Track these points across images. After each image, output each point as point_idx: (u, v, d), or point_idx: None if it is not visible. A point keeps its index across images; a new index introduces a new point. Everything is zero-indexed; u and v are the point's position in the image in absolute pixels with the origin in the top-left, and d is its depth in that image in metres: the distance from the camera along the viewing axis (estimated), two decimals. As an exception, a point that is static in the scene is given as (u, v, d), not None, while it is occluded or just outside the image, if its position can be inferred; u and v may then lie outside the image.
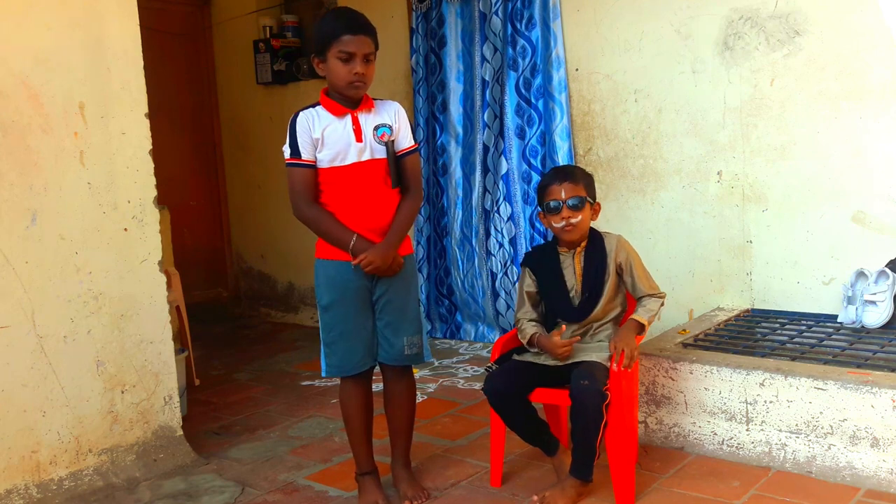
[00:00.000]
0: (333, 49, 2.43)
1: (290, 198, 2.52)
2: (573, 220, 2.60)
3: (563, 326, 2.64)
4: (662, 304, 2.64)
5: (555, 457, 2.67)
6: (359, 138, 2.49)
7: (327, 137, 2.47)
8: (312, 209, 2.50)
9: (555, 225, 2.63)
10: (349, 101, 2.50)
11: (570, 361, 2.57)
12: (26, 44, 2.73)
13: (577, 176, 2.65)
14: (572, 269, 2.67)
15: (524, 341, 2.69)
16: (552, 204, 2.62)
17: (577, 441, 2.50)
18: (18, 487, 2.73)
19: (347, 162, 2.48)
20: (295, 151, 2.48)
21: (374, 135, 2.50)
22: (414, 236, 4.77)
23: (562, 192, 2.61)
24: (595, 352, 2.60)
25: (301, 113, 2.51)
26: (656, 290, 2.65)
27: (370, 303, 2.57)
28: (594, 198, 2.67)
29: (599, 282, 2.64)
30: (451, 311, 4.74)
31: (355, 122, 2.49)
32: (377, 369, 2.67)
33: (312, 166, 2.49)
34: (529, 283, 2.74)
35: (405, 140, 2.57)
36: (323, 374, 2.64)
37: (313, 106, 2.52)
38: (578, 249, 2.66)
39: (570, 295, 2.67)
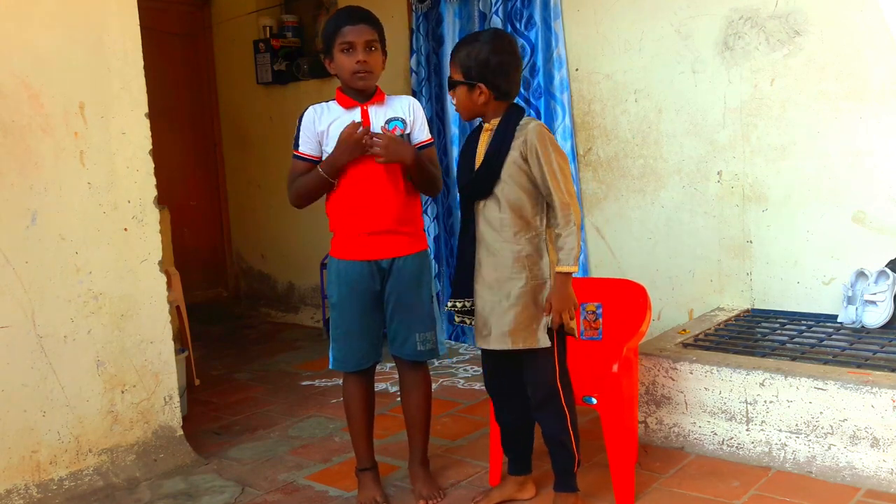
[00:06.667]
0: (336, 43, 2.45)
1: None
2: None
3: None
4: (577, 226, 2.27)
5: (515, 477, 2.57)
6: None
7: (333, 131, 2.48)
8: (291, 188, 2.56)
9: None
10: (359, 94, 2.51)
11: (487, 343, 2.35)
12: (26, 44, 2.73)
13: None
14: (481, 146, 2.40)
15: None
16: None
17: (553, 452, 2.42)
18: (18, 487, 2.73)
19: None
20: (296, 143, 2.54)
21: (385, 128, 2.48)
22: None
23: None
24: (501, 322, 2.31)
25: (311, 106, 2.55)
26: (565, 201, 2.26)
27: (379, 302, 2.56)
28: (476, 78, 2.30)
29: (499, 160, 2.30)
30: None
31: (364, 115, 2.49)
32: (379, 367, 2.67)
33: (308, 160, 2.53)
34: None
35: (422, 133, 2.55)
36: (329, 367, 2.65)
37: (328, 101, 2.56)
38: (488, 126, 2.38)
39: (473, 169, 2.38)
